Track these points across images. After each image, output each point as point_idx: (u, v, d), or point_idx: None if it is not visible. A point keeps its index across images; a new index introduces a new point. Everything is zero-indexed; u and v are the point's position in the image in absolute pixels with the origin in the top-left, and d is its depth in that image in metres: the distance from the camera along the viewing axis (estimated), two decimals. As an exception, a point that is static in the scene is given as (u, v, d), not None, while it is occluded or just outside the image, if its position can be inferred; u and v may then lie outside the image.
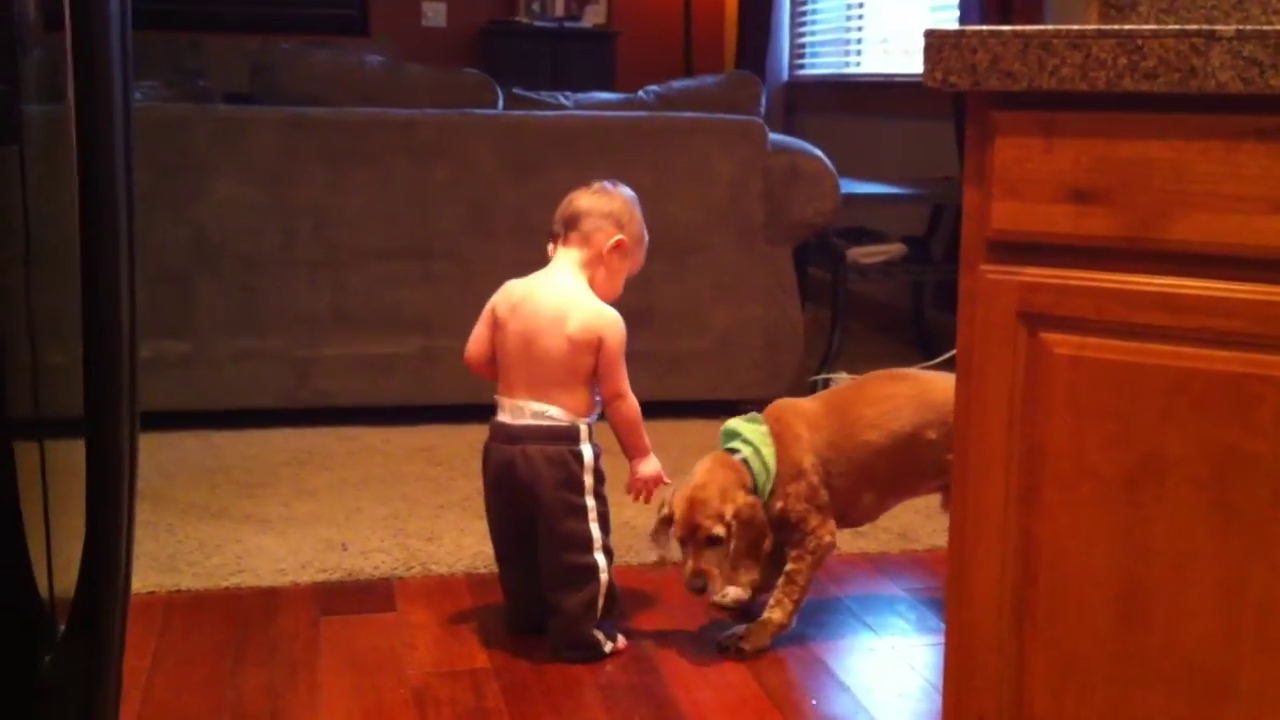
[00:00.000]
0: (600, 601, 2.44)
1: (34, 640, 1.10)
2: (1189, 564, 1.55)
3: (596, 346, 2.43)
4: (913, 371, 2.63)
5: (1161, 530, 1.56)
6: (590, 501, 2.44)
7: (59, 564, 1.19)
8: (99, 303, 1.07)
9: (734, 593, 2.66)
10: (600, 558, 2.44)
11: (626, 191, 2.60)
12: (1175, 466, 1.54)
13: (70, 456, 1.17)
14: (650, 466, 2.55)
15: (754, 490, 2.46)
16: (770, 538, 2.46)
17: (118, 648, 1.15)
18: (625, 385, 2.48)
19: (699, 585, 2.42)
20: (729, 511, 2.40)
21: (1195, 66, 1.45)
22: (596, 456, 2.46)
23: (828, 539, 2.49)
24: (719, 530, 2.40)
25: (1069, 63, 1.52)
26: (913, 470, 2.52)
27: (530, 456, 2.41)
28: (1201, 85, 1.45)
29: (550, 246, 2.59)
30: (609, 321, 2.46)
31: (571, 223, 2.54)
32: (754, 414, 2.56)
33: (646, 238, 2.61)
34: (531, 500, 2.42)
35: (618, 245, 2.51)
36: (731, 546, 2.40)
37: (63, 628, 1.14)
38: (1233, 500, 1.51)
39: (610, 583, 2.46)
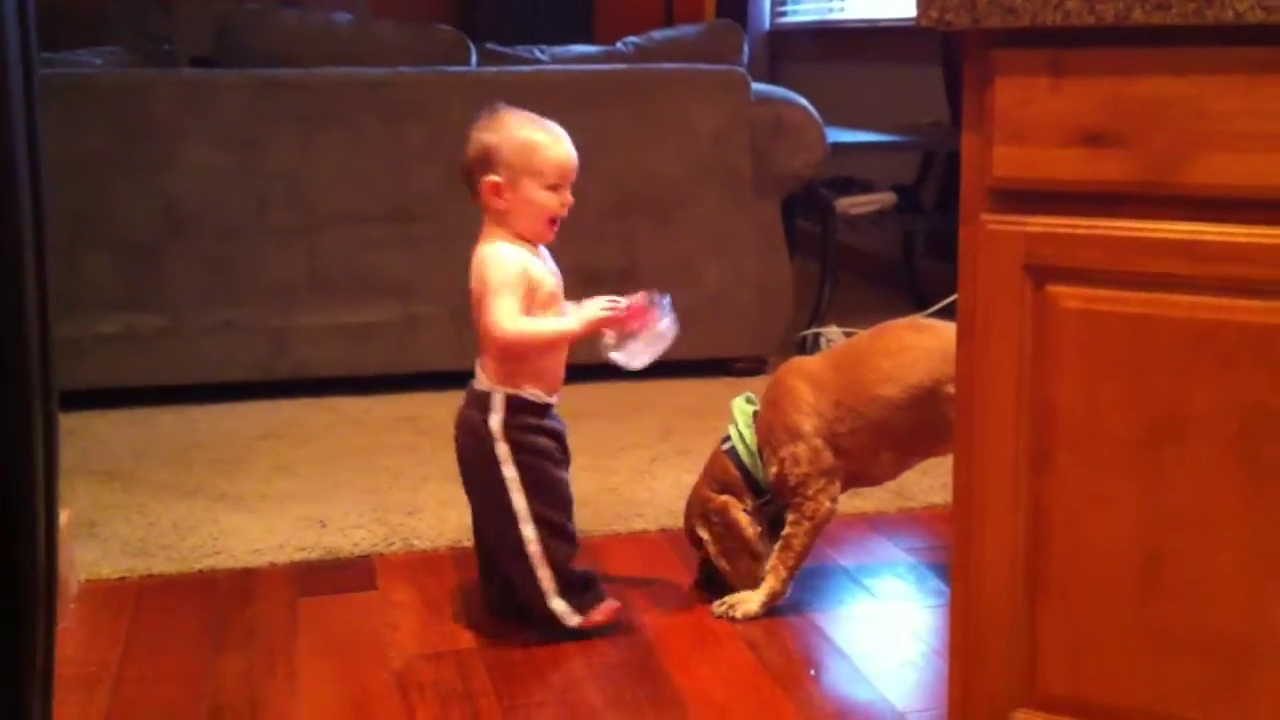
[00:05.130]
0: (544, 573, 2.29)
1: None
2: (1213, 527, 1.47)
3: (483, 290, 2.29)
4: (934, 321, 2.50)
5: (1183, 492, 1.47)
6: (508, 472, 2.28)
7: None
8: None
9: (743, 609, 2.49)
10: (529, 530, 2.29)
11: (493, 114, 2.34)
12: (1197, 424, 1.45)
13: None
14: (588, 311, 2.32)
15: (745, 477, 2.45)
16: (761, 530, 2.46)
17: (43, 654, 1.05)
18: (496, 315, 2.25)
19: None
20: (697, 522, 2.49)
21: (1211, -5, 1.34)
22: (507, 426, 2.28)
23: (827, 505, 2.39)
24: (703, 534, 2.48)
25: (1075, -6, 1.41)
26: (930, 428, 2.37)
27: (459, 422, 2.36)
28: (1219, 16, 1.35)
29: None
30: (483, 256, 2.30)
31: (466, 183, 2.36)
32: (750, 394, 2.54)
33: (531, 142, 2.29)
34: (460, 468, 2.37)
35: (491, 189, 2.29)
36: (712, 551, 2.47)
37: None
38: (1260, 458, 1.42)
39: (562, 555, 2.31)
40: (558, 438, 2.35)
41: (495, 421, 2.28)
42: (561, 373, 2.35)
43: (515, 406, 2.29)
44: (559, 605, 2.31)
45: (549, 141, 2.31)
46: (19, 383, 0.99)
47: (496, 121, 2.33)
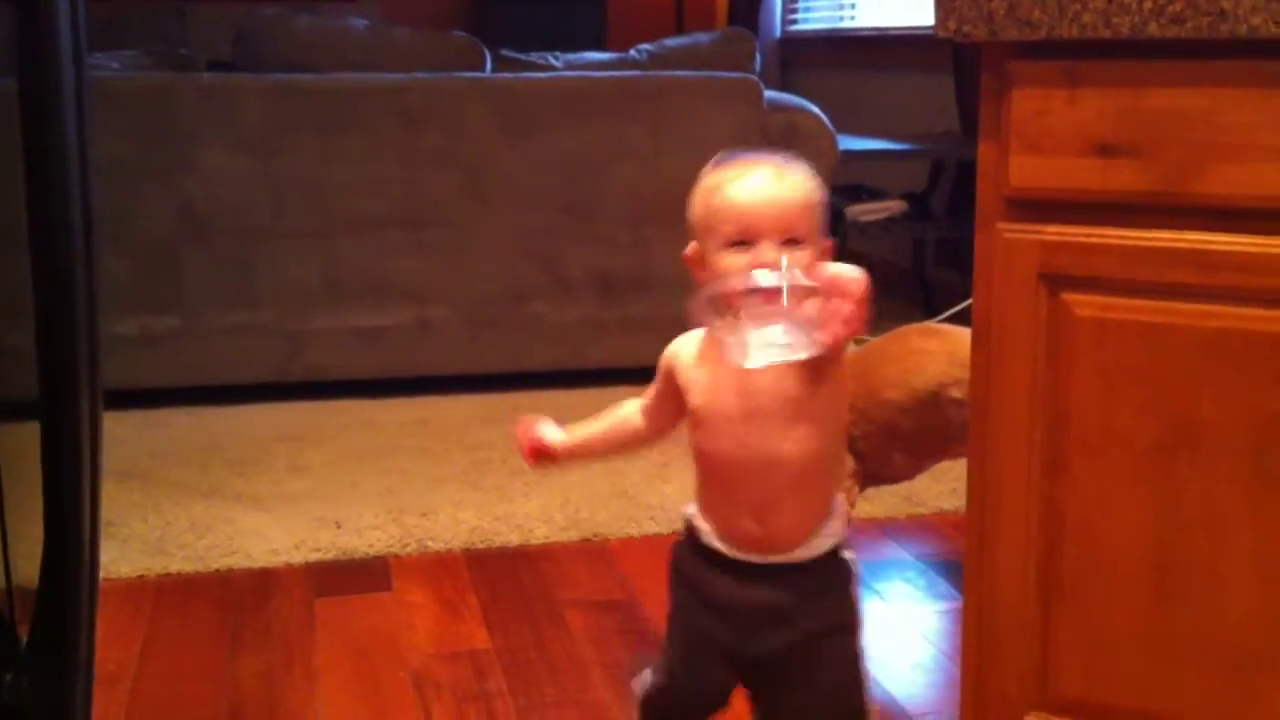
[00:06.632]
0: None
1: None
2: (1225, 534, 1.48)
3: None
4: (947, 327, 2.52)
5: (1195, 499, 1.49)
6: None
7: (21, 553, 1.11)
8: (50, 280, 1.00)
9: None
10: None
11: (705, 175, 1.62)
12: (1209, 432, 1.47)
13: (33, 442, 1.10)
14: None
15: None
16: None
17: (86, 661, 1.08)
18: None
19: None
20: None
21: (1225, 9, 1.37)
22: (675, 547, 1.69)
23: (846, 508, 2.42)
24: None
25: (1091, 8, 1.44)
26: (938, 431, 2.40)
27: None
28: (1233, 29, 1.37)
29: None
30: None
31: None
32: None
33: (706, 189, 1.60)
34: None
35: (690, 261, 1.65)
36: None
37: (24, 639, 1.07)
38: (1271, 466, 1.44)
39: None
40: (715, 609, 1.61)
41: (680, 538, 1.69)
42: (744, 523, 1.57)
43: (688, 530, 1.65)
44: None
45: (722, 183, 1.57)
46: (68, 384, 1.02)
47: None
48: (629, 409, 1.73)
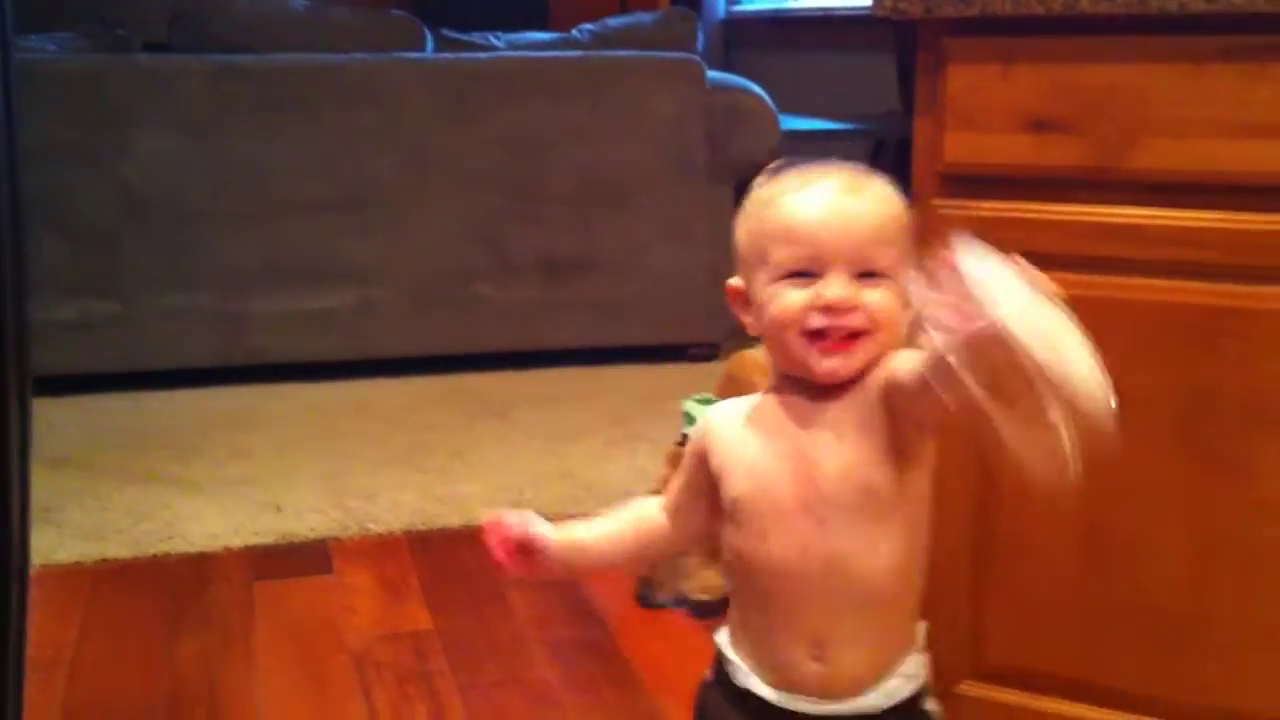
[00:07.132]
0: None
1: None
2: (1156, 504, 1.50)
3: None
4: None
5: (1126, 471, 1.50)
6: None
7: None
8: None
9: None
10: None
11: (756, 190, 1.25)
12: (1141, 404, 1.47)
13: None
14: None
15: None
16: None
17: (15, 649, 1.06)
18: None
19: (641, 591, 2.42)
20: None
21: (1156, -15, 1.38)
22: (702, 688, 1.31)
23: None
24: None
25: (1024, -16, 1.44)
26: None
27: None
28: (1163, 5, 1.38)
29: None
30: None
31: None
32: (705, 394, 2.51)
33: (758, 202, 1.23)
34: None
35: (733, 299, 1.24)
36: None
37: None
38: (1201, 438, 1.46)
39: None
40: None
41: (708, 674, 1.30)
42: (799, 661, 1.19)
43: (718, 664, 1.28)
44: None
45: (777, 195, 1.22)
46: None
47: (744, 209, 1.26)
48: (646, 505, 1.35)
